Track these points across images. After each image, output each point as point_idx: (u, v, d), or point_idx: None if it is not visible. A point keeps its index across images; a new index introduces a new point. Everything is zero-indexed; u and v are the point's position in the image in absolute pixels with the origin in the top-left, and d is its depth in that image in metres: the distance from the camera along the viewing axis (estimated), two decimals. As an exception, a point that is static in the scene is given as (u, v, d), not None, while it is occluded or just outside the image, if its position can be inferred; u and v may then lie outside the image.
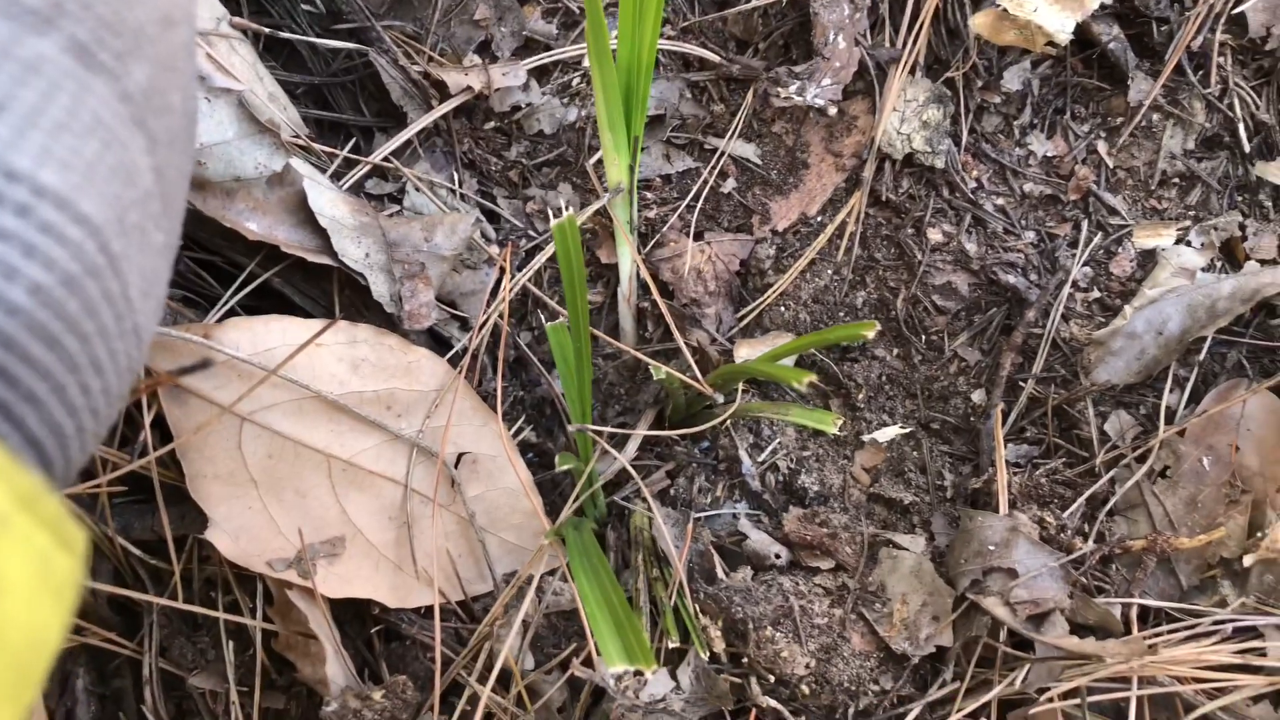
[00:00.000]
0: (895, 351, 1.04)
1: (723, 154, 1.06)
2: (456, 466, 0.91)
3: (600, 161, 1.03)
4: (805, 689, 0.83)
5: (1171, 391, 0.96)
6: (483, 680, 0.83)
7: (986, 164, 1.03)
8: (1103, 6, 0.94)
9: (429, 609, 0.88)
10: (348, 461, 0.87)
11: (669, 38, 1.05)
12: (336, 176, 0.98)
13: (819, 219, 1.05)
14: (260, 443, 0.84)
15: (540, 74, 1.05)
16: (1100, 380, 0.96)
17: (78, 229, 0.37)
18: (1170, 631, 0.83)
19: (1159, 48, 1.01)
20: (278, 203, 0.92)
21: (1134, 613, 0.85)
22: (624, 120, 0.91)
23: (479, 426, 0.93)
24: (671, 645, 0.83)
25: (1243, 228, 0.98)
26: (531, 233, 1.04)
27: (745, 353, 1.02)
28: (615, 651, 0.68)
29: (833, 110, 1.01)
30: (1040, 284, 1.00)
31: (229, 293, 0.92)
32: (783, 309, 1.04)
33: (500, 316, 0.96)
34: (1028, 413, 1.00)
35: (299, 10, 1.01)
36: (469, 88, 1.00)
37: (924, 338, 1.03)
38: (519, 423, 1.01)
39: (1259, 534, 0.85)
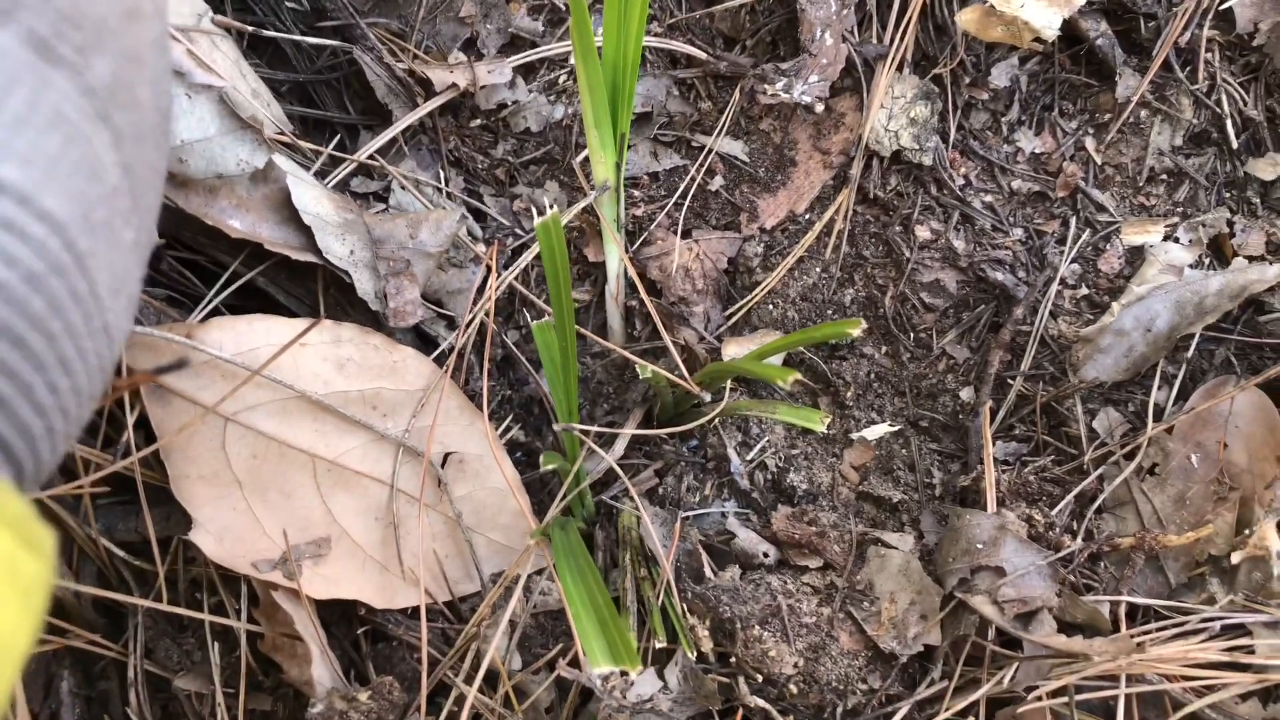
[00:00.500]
0: (884, 349, 1.03)
1: (710, 151, 1.05)
2: (443, 466, 0.90)
3: (587, 159, 1.02)
4: (793, 688, 0.83)
5: (1160, 388, 0.95)
6: (470, 681, 0.83)
7: (974, 161, 1.03)
8: (1090, 2, 0.94)
9: (416, 609, 0.87)
10: (333, 462, 0.86)
11: (655, 35, 1.05)
12: (321, 174, 0.97)
13: (807, 217, 1.05)
14: (244, 443, 0.84)
15: (526, 71, 1.04)
16: (1089, 377, 0.96)
17: (40, 225, 0.36)
18: (1159, 629, 0.83)
19: (1146, 44, 1.01)
20: (261, 200, 0.91)
21: (1122, 610, 0.85)
22: (610, 118, 0.90)
23: (465, 426, 0.92)
24: (659, 645, 0.83)
25: (1231, 224, 0.98)
26: (518, 231, 1.04)
27: (733, 351, 1.02)
28: (600, 652, 0.67)
29: (820, 107, 1.01)
30: (1028, 281, 0.99)
31: (212, 292, 0.91)
32: (771, 307, 1.04)
33: (487, 315, 0.95)
34: (1016, 410, 0.99)
35: (283, 7, 1.01)
36: (454, 85, 0.99)
37: (912, 335, 1.03)
38: (506, 422, 1.01)
39: (1247, 531, 0.85)
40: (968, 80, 1.03)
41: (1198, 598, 0.86)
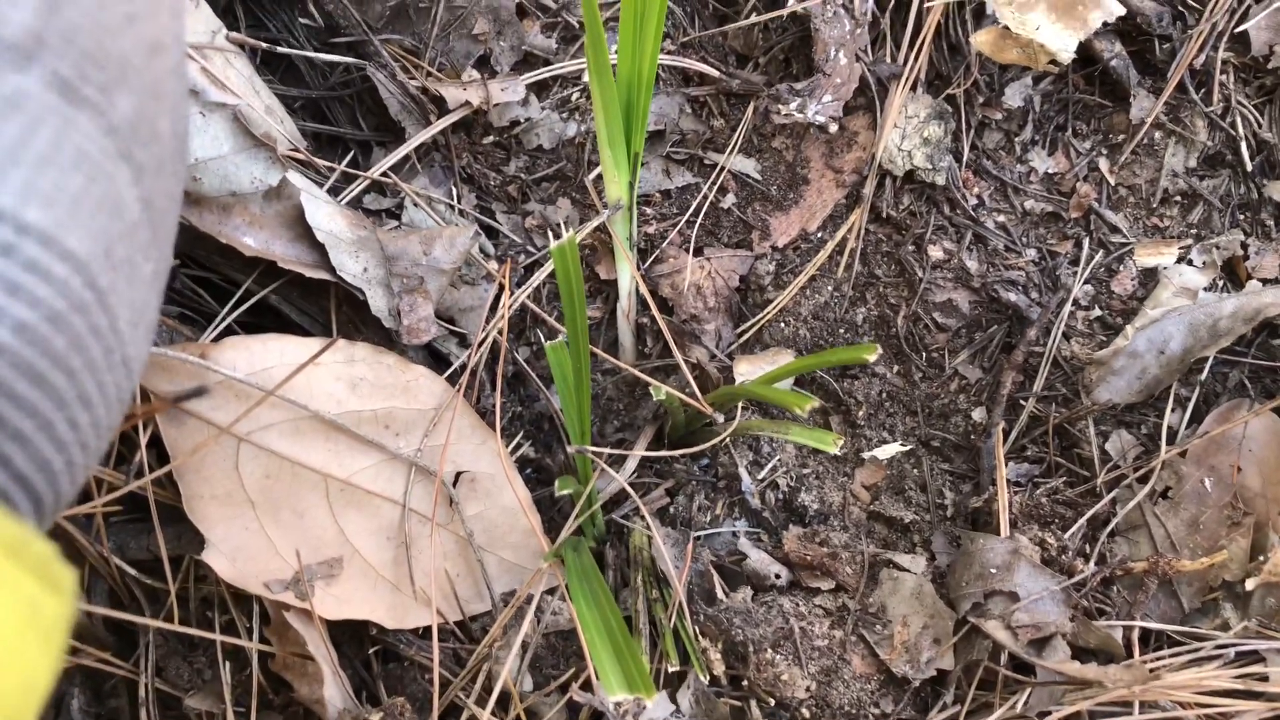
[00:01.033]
0: (896, 368, 1.03)
1: (723, 169, 1.05)
2: (455, 485, 0.90)
3: (600, 177, 1.02)
4: (805, 712, 0.83)
5: (1173, 411, 0.95)
6: (481, 703, 0.83)
7: (988, 181, 1.03)
8: (1104, 24, 0.94)
9: (427, 629, 0.87)
10: (345, 481, 0.86)
11: (669, 52, 1.05)
12: (334, 191, 0.97)
13: (819, 235, 1.05)
14: (257, 463, 0.84)
15: (539, 89, 1.04)
16: (1101, 399, 0.96)
17: (63, 265, 0.37)
18: (1172, 655, 0.82)
19: (1161, 65, 1.00)
20: (274, 217, 0.91)
21: (1135, 635, 0.85)
22: (624, 137, 0.90)
23: (478, 445, 0.92)
24: (671, 669, 0.83)
25: (1245, 246, 0.98)
26: (530, 248, 1.03)
27: (745, 369, 1.02)
28: (615, 679, 0.67)
29: (833, 127, 1.00)
30: (1041, 302, 0.99)
31: (225, 310, 0.91)
32: (783, 325, 1.04)
33: (499, 333, 0.95)
34: (1028, 431, 0.99)
35: (297, 24, 1.01)
36: (468, 103, 0.99)
37: (924, 355, 1.03)
38: (517, 438, 1.00)
39: (1261, 557, 0.84)
40: (981, 100, 1.03)
41: (1211, 623, 0.85)
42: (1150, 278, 0.99)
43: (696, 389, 0.93)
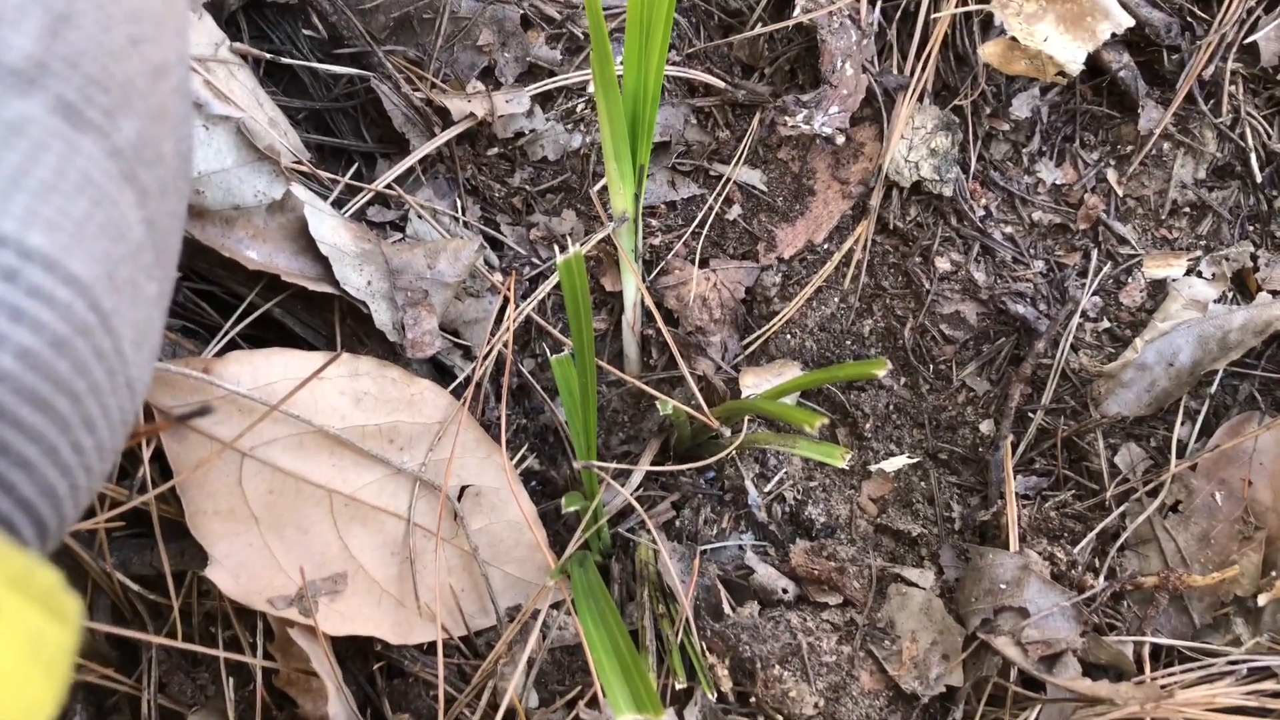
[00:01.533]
0: (903, 380, 1.03)
1: (728, 180, 1.05)
2: (459, 499, 0.90)
3: (605, 188, 1.02)
4: (814, 729, 0.82)
5: (1183, 424, 0.95)
6: (487, 719, 0.82)
7: (995, 192, 1.03)
8: (1113, 35, 0.93)
9: (432, 645, 0.86)
10: (350, 496, 0.86)
11: (674, 64, 1.04)
12: (338, 203, 0.96)
13: (825, 246, 1.04)
14: (261, 478, 0.83)
15: (544, 100, 1.04)
16: (1110, 412, 0.95)
17: (67, 289, 0.37)
18: (1184, 671, 0.82)
19: (1170, 76, 1.00)
20: (278, 230, 0.91)
21: (1146, 651, 0.84)
22: (629, 150, 0.90)
23: (482, 458, 0.91)
24: (678, 686, 0.82)
25: (1254, 258, 0.97)
26: (535, 260, 1.03)
27: (751, 381, 1.01)
28: (623, 700, 0.66)
29: (840, 138, 1.00)
30: (1049, 314, 0.99)
31: (229, 323, 0.90)
32: (789, 337, 1.03)
33: (504, 345, 0.95)
34: (1036, 444, 0.99)
35: (300, 35, 1.00)
36: (472, 114, 0.98)
37: (932, 367, 1.02)
38: (522, 450, 1.00)
39: (1273, 572, 0.84)
40: (988, 111, 1.02)
41: (1223, 639, 0.85)
42: (1159, 289, 0.98)
43: (703, 402, 0.93)
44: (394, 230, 0.99)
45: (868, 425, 1.01)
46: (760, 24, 1.05)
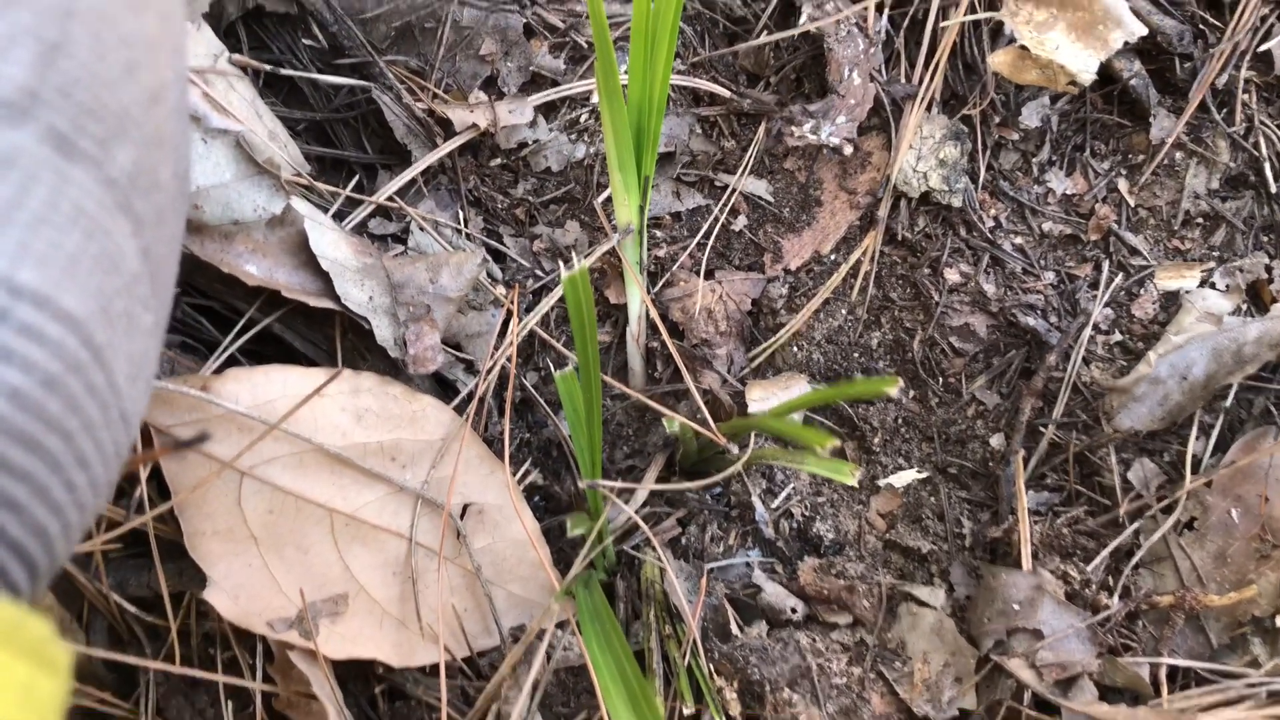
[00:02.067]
0: (911, 394, 1.01)
1: (734, 191, 1.03)
2: (462, 517, 0.88)
3: (609, 199, 1.00)
4: (824, 753, 0.80)
5: (1197, 439, 0.93)
6: (490, 744, 0.81)
7: (1005, 202, 1.01)
8: (1126, 43, 0.92)
9: (434, 667, 0.85)
10: (351, 515, 0.84)
11: (678, 72, 1.03)
12: (339, 216, 0.95)
13: (833, 257, 1.03)
14: (260, 498, 0.82)
15: (547, 110, 1.02)
16: (1123, 426, 0.93)
17: (58, 326, 0.36)
18: (1201, 694, 0.80)
19: (1182, 84, 0.98)
20: (278, 244, 0.89)
21: (1163, 673, 0.83)
22: (634, 161, 0.88)
23: (485, 476, 0.90)
24: (686, 710, 0.80)
25: (1269, 269, 0.96)
26: (539, 272, 1.01)
27: (758, 395, 1.00)
28: (631, 728, 0.65)
29: (848, 149, 0.98)
30: (1060, 326, 0.97)
31: (228, 339, 0.89)
32: (795, 349, 1.02)
33: (508, 360, 0.93)
34: (1048, 459, 0.97)
35: (300, 45, 0.99)
36: (475, 125, 0.97)
37: (941, 380, 1.00)
38: (525, 465, 0.98)
39: (1291, 591, 0.82)
40: (997, 120, 1.01)
41: (1241, 660, 0.83)
42: (1172, 301, 0.97)
43: (709, 417, 0.91)
44: (396, 242, 0.98)
45: (876, 439, 1.00)
46: (766, 32, 1.04)
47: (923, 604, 0.87)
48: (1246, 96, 0.98)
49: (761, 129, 1.03)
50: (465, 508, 0.89)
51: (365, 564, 0.85)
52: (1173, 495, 0.90)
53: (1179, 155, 0.99)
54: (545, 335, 0.98)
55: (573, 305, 0.76)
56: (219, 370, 0.88)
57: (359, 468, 0.84)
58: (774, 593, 0.90)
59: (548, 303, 0.97)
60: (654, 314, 0.97)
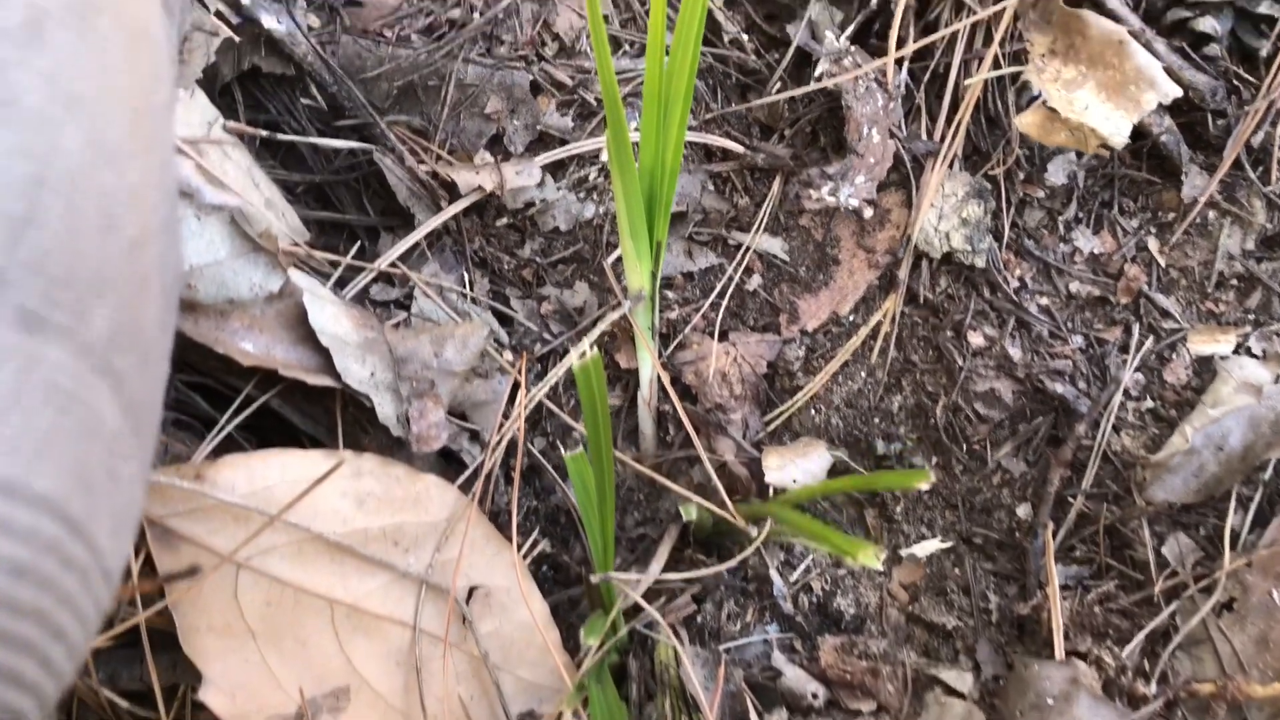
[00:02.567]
0: (935, 460, 0.97)
1: (748, 250, 0.99)
2: (468, 601, 0.85)
3: (619, 260, 0.97)
4: None
5: (1235, 513, 0.89)
6: (499, 847, 0.77)
7: (1030, 262, 0.97)
8: (1159, 105, 0.88)
9: (440, 761, 0.81)
10: (352, 605, 0.81)
11: (690, 128, 0.99)
12: (340, 283, 0.92)
13: (851, 318, 0.99)
14: (258, 590, 0.78)
15: (555, 168, 0.99)
16: (1156, 498, 0.90)
17: (29, 512, 0.35)
18: (1246, 794, 0.76)
19: (1214, 140, 0.95)
20: (275, 318, 0.86)
21: (1204, 768, 0.79)
22: (646, 226, 0.85)
23: (492, 556, 0.86)
24: (705, 814, 0.77)
25: (1307, 334, 0.92)
26: (546, 335, 0.98)
27: (775, 462, 0.96)
28: None
29: (868, 212, 0.95)
30: (1089, 393, 0.93)
31: (224, 418, 0.85)
32: (813, 413, 0.98)
33: (516, 430, 0.90)
34: (1076, 530, 0.93)
35: (298, 105, 0.95)
36: (480, 188, 0.93)
37: (965, 447, 0.97)
38: (533, 535, 0.95)
39: (1339, 683, 0.78)
40: (1022, 176, 0.97)
41: (1286, 755, 0.79)
42: (1205, 366, 0.93)
43: (725, 497, 0.87)
44: (399, 309, 0.94)
45: (898, 507, 0.96)
46: (781, 85, 1.00)
47: (951, 691, 0.84)
48: (1282, 154, 0.94)
49: (776, 184, 1.00)
50: (471, 590, 0.85)
51: (367, 655, 0.81)
52: (1211, 574, 0.86)
53: (1212, 214, 0.95)
54: (554, 406, 0.95)
55: (584, 392, 0.72)
56: (215, 451, 0.84)
57: (360, 555, 0.81)
58: (794, 677, 0.87)
59: (556, 374, 0.93)
60: (665, 379, 0.94)
